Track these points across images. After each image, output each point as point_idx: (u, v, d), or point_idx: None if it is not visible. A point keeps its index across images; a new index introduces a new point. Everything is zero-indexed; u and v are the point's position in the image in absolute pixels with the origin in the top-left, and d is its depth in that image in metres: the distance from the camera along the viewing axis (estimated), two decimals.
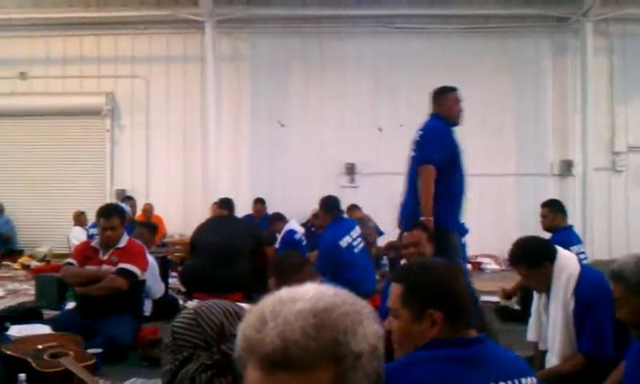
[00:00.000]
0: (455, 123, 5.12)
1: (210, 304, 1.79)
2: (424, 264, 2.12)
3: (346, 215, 7.78)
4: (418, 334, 1.81)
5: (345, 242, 6.28)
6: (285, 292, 0.97)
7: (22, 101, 12.22)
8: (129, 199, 9.88)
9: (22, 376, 3.54)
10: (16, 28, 12.11)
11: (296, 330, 0.88)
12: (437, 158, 4.80)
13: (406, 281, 1.89)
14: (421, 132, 5.10)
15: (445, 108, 5.10)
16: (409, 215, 4.89)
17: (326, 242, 6.42)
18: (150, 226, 7.49)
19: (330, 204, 6.70)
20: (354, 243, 6.36)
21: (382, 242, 9.56)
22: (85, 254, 5.22)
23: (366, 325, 0.93)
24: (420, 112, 11.38)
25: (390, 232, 9.47)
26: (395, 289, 1.89)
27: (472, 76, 11.42)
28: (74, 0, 11.69)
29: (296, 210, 10.20)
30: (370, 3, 11.51)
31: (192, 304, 6.10)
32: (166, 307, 6.07)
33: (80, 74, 12.22)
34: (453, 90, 5.23)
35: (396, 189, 10.75)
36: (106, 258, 5.11)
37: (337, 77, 11.81)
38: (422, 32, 11.68)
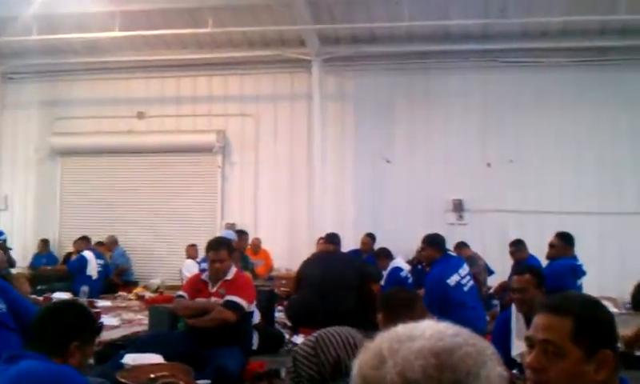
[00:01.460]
0: None
1: (332, 334, 1.75)
2: (585, 297, 1.88)
3: (453, 253, 7.56)
4: (586, 376, 1.60)
5: (453, 280, 6.05)
6: (402, 329, 0.93)
7: (139, 139, 12.88)
8: (242, 233, 9.98)
9: None
10: (134, 70, 12.86)
11: (416, 370, 0.84)
12: None
13: (575, 314, 1.66)
14: None
15: None
16: None
17: (433, 280, 6.21)
18: None
19: (435, 241, 6.49)
20: (463, 282, 6.14)
21: (492, 281, 9.25)
22: (195, 286, 5.34)
23: (490, 367, 0.88)
24: (531, 148, 11.22)
25: (501, 271, 9.22)
26: (555, 322, 1.67)
27: (586, 110, 11.01)
28: (188, 42, 12.24)
29: (401, 247, 10.03)
30: (478, 37, 11.32)
31: (298, 339, 6.14)
32: (272, 341, 6.10)
33: (193, 112, 12.77)
34: None
35: (506, 226, 10.60)
36: (214, 290, 5.20)
37: (443, 112, 11.66)
38: (533, 66, 11.35)
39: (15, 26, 11.23)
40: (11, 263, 10.64)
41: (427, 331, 0.91)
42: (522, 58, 11.40)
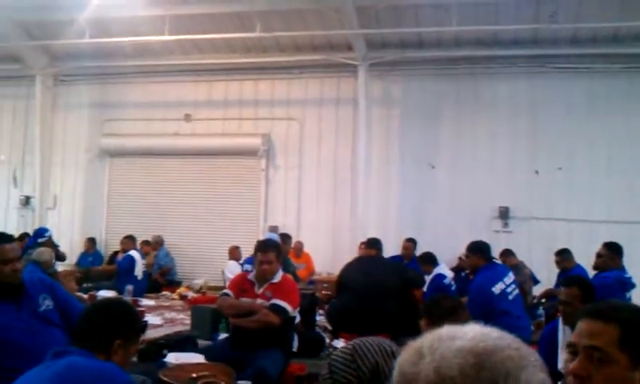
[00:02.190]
0: None
1: (369, 341, 1.75)
2: (632, 305, 1.86)
3: (498, 261, 7.44)
4: None
5: (497, 288, 5.95)
6: (446, 330, 0.92)
7: (186, 141, 13.06)
8: (286, 237, 9.95)
9: None
10: (183, 74, 13.06)
11: (453, 367, 0.83)
12: None
13: (622, 321, 1.62)
14: None
15: None
16: None
17: (477, 288, 6.13)
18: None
19: (479, 248, 6.40)
20: (508, 290, 6.03)
21: (537, 290, 9.08)
22: (241, 286, 5.35)
23: (531, 372, 0.85)
24: (580, 155, 10.98)
25: (547, 280, 9.05)
26: (601, 328, 1.63)
27: (637, 117, 10.76)
28: (236, 46, 12.37)
29: (445, 253, 9.91)
30: (527, 43, 11.15)
31: (338, 343, 6.12)
32: (313, 344, 6.09)
33: (239, 116, 12.87)
34: None
35: (553, 234, 10.40)
36: (260, 291, 5.21)
37: (490, 118, 11.50)
38: (583, 72, 11.11)
39: (68, 29, 11.53)
40: (61, 257, 10.90)
41: (470, 333, 0.90)
42: (571, 64, 11.17)
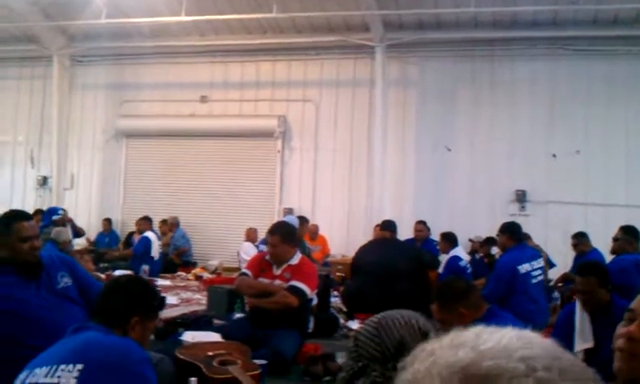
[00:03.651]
0: None
1: (395, 316, 1.73)
2: None
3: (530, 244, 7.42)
4: None
5: (523, 268, 6.00)
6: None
7: (202, 122, 13.07)
8: (303, 220, 9.80)
9: (193, 380, 3.69)
10: (199, 55, 13.05)
11: None
12: None
13: None
14: None
15: None
16: None
17: (504, 265, 6.22)
18: None
19: (509, 229, 6.51)
20: (533, 274, 6.07)
21: (553, 274, 9.03)
22: (260, 266, 5.38)
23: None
24: (599, 139, 10.86)
25: (563, 264, 9.00)
26: None
27: None
28: (252, 28, 12.32)
29: (461, 236, 9.84)
30: (547, 25, 11.00)
31: (353, 324, 6.14)
32: (327, 325, 6.12)
33: (255, 97, 12.85)
34: None
35: (570, 218, 10.33)
36: (279, 272, 5.23)
37: (508, 101, 11.39)
38: (604, 54, 10.95)
39: (85, 9, 11.54)
40: (79, 232, 10.97)
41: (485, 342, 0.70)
42: (592, 46, 11.00)
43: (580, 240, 8.45)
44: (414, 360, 0.72)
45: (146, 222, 10.97)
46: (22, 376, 2.19)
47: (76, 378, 2.06)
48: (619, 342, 1.62)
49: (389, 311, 1.81)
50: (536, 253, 6.71)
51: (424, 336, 1.76)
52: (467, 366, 0.66)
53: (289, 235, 5.43)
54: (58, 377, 2.08)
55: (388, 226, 8.02)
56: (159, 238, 10.87)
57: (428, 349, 0.71)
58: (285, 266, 5.24)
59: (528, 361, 0.65)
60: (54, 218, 9.19)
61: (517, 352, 0.66)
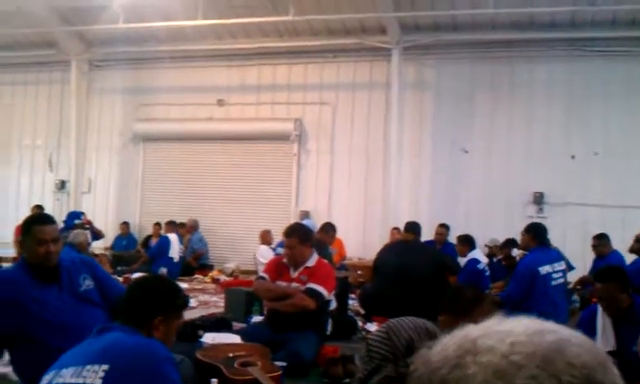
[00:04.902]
0: None
1: (403, 320, 1.81)
2: None
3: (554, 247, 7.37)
4: None
5: (544, 270, 5.97)
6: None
7: (219, 126, 13.10)
8: (329, 227, 9.32)
9: (215, 381, 3.70)
10: (215, 58, 13.11)
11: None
12: None
13: None
14: None
15: None
16: None
17: (525, 266, 6.19)
18: None
19: (532, 229, 6.47)
20: (554, 276, 6.03)
21: (572, 277, 8.95)
22: (277, 269, 5.38)
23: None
24: (617, 140, 10.78)
25: (582, 267, 8.92)
26: None
27: None
28: (269, 31, 12.36)
29: (478, 239, 9.80)
30: (565, 26, 10.92)
31: (371, 327, 6.13)
32: (346, 327, 6.12)
33: (272, 100, 12.89)
34: None
35: (588, 220, 10.24)
36: (296, 275, 5.23)
37: (526, 102, 11.31)
38: (622, 55, 10.85)
39: (103, 14, 11.65)
40: (98, 235, 11.02)
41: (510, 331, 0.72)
42: (610, 48, 10.92)
43: (600, 241, 8.37)
44: (468, 354, 0.71)
45: (170, 226, 11.11)
46: (47, 376, 2.20)
47: (102, 378, 2.07)
48: None
49: (398, 318, 1.90)
50: (559, 255, 6.69)
51: (432, 337, 1.82)
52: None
53: (306, 237, 5.42)
54: (84, 377, 2.09)
55: (412, 228, 7.96)
56: (181, 241, 10.92)
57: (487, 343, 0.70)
58: (302, 268, 5.24)
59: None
60: (76, 221, 9.29)
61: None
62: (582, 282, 8.59)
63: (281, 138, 12.58)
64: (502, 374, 0.67)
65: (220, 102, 13.21)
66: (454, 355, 0.71)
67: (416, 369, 0.77)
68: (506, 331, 0.71)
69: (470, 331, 0.74)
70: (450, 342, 0.74)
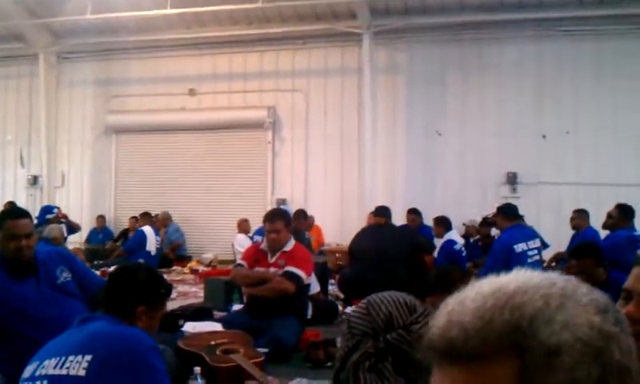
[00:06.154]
0: None
1: (383, 295, 1.82)
2: None
3: (526, 224, 7.48)
4: None
5: (520, 247, 6.10)
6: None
7: (192, 116, 13.03)
8: (304, 214, 9.38)
9: (197, 369, 3.70)
10: (186, 48, 12.99)
11: (466, 313, 0.68)
12: None
13: None
14: None
15: None
16: None
17: (500, 245, 6.34)
18: None
19: (504, 210, 6.63)
20: (530, 253, 6.14)
21: (546, 255, 9.08)
22: (254, 256, 5.41)
23: (574, 313, 0.67)
24: (588, 119, 10.92)
25: (556, 245, 9.05)
26: None
27: None
28: (239, 18, 12.27)
29: (453, 220, 9.87)
30: (533, 7, 11.02)
31: (350, 310, 6.17)
32: (327, 312, 6.16)
33: (244, 89, 12.83)
34: None
35: (562, 199, 10.39)
36: (273, 260, 5.26)
37: (496, 84, 11.42)
38: (591, 35, 10.99)
39: (69, 5, 11.47)
40: (74, 228, 10.87)
41: (504, 279, 0.72)
42: (578, 27, 11.04)
43: (579, 215, 8.52)
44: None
45: (145, 217, 10.96)
46: (30, 368, 2.19)
47: (85, 368, 2.07)
48: None
49: (376, 293, 1.91)
50: (534, 233, 6.83)
51: (411, 310, 1.85)
52: (494, 289, 0.71)
53: (290, 221, 5.51)
54: (67, 368, 2.09)
55: (382, 212, 8.03)
56: (157, 234, 10.84)
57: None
58: (279, 253, 5.27)
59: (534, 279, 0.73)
60: (48, 216, 9.16)
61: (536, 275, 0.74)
62: (557, 258, 8.73)
63: (254, 126, 12.54)
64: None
65: (192, 92, 13.11)
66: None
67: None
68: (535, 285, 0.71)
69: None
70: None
